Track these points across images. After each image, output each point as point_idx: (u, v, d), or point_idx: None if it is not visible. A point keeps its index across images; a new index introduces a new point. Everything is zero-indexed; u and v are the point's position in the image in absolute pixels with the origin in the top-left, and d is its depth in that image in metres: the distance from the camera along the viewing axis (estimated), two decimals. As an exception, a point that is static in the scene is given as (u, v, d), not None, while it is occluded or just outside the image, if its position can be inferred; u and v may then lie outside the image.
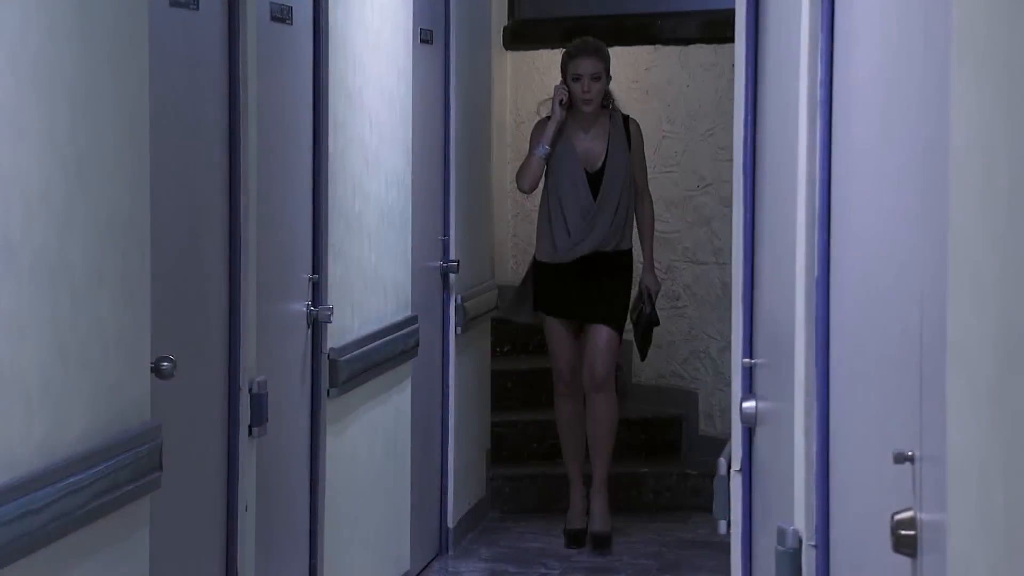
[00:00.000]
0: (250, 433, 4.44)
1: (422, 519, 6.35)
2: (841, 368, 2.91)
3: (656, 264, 7.62)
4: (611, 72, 6.69)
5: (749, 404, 3.79)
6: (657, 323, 6.77)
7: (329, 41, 5.07)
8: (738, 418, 3.87)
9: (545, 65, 8.41)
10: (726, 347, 7.35)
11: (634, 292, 6.79)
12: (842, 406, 2.89)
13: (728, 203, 6.37)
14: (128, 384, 3.56)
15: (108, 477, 3.38)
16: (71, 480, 3.22)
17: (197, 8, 4.10)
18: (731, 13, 4.32)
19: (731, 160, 4.20)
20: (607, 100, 6.71)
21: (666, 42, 7.98)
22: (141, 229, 3.64)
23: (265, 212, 4.58)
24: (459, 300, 6.69)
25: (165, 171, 3.86)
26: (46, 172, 3.18)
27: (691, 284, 7.96)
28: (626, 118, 6.73)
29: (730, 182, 4.29)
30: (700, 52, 7.88)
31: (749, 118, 3.87)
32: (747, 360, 3.88)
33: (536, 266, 6.78)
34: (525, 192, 6.86)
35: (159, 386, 3.77)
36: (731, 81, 4.46)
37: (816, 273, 3.00)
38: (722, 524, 4.01)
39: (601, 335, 6.64)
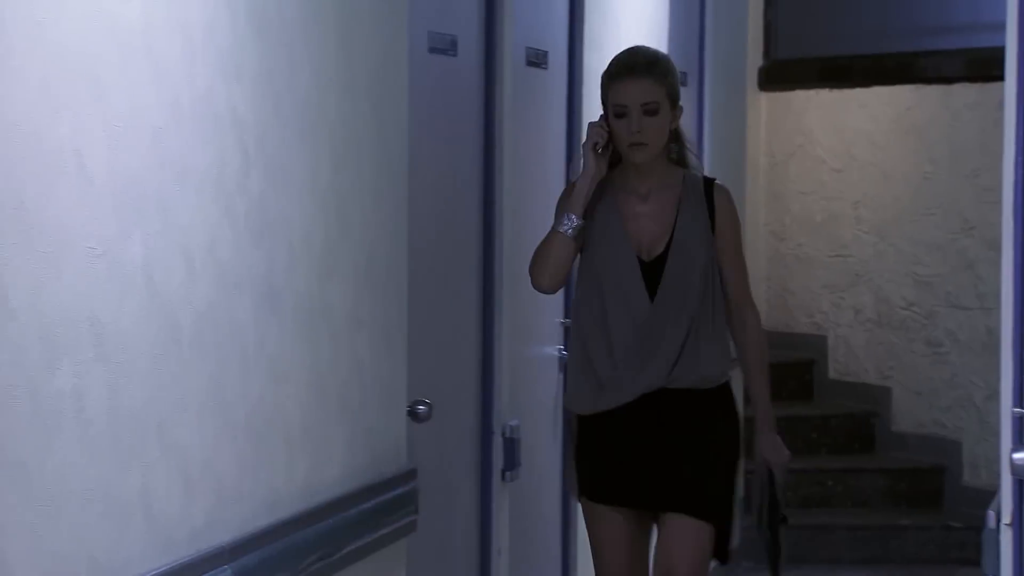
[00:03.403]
0: (503, 477, 4.44)
1: (674, 566, 6.27)
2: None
3: (915, 309, 7.35)
4: (680, 103, 3.97)
5: (1020, 455, 3.65)
6: (786, 520, 4.20)
7: (583, 85, 5.07)
8: (1008, 469, 3.74)
9: (801, 106, 8.31)
10: (992, 395, 7.12)
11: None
12: (1125, 460, 2.74)
13: (993, 246, 6.17)
14: (385, 427, 3.59)
15: (366, 520, 3.40)
16: (331, 522, 3.24)
17: (455, 54, 4.14)
18: (998, 50, 4.18)
19: (997, 202, 4.06)
20: (676, 147, 4.01)
21: (928, 81, 7.81)
22: (399, 273, 3.66)
23: (518, 256, 4.59)
24: (711, 344, 6.57)
25: (422, 215, 3.89)
26: (308, 218, 3.22)
27: (954, 330, 7.74)
28: (710, 182, 4.01)
29: (996, 225, 4.14)
30: (964, 91, 7.68)
31: (1020, 159, 3.74)
32: (1017, 409, 3.74)
33: (575, 421, 4.07)
34: (545, 291, 4.03)
35: (414, 429, 3.79)
36: (997, 121, 4.32)
37: (1095, 320, 2.87)
38: (991, 580, 3.87)
39: (683, 529, 3.95)
